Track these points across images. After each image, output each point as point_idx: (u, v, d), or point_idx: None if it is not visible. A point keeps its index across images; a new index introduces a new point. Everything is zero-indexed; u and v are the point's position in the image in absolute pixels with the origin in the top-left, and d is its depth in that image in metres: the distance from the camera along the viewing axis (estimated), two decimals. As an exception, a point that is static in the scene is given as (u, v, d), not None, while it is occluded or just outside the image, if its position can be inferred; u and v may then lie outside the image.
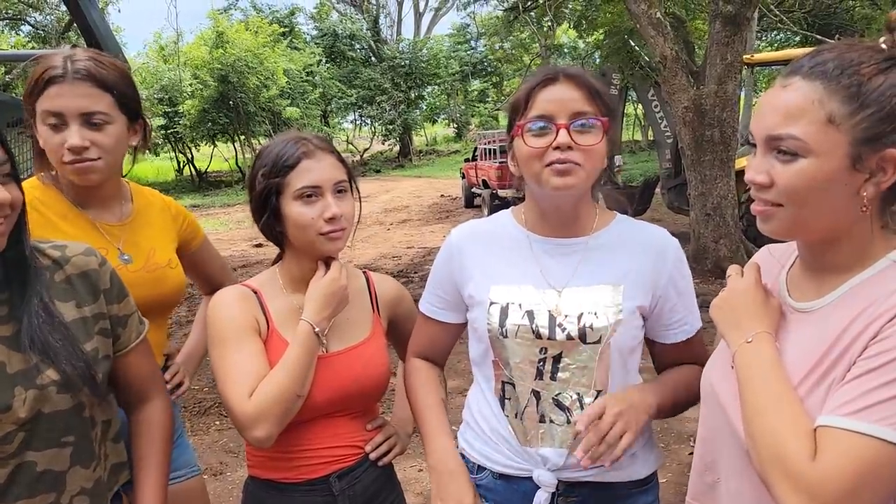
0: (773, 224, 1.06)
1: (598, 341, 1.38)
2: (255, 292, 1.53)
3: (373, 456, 1.58)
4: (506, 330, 1.41)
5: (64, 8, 13.28)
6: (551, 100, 1.36)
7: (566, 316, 1.39)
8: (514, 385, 1.43)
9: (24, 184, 1.62)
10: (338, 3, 37.82)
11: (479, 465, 1.49)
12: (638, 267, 1.44)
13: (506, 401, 1.45)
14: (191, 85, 24.11)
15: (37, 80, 1.55)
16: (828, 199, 1.00)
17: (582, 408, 1.40)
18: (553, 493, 1.41)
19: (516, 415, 1.43)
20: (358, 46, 34.03)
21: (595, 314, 1.39)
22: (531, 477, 1.43)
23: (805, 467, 0.92)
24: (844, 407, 0.92)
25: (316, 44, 32.15)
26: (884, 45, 0.99)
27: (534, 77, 1.42)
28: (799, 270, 1.15)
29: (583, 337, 1.38)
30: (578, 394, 1.40)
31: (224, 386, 1.40)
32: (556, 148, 1.34)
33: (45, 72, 1.54)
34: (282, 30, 27.83)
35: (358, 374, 1.53)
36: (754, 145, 1.07)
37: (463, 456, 1.52)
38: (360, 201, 1.59)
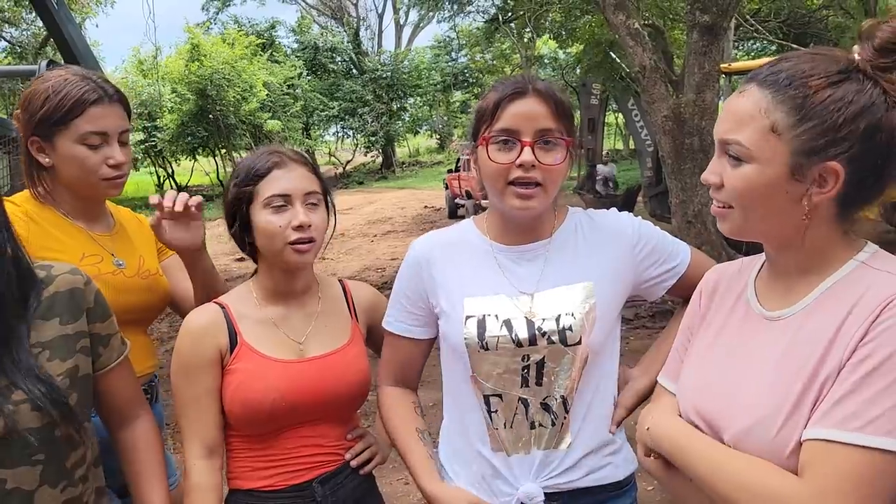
0: (726, 224, 1.11)
1: (579, 342, 1.38)
2: (224, 307, 1.53)
3: (353, 463, 1.57)
4: (486, 342, 1.38)
5: (41, 23, 13.18)
6: (518, 114, 1.35)
7: (544, 320, 1.38)
8: (501, 396, 1.41)
9: (16, 197, 1.69)
10: (319, 16, 37.87)
11: None
12: (603, 259, 1.44)
13: (492, 413, 1.42)
14: (170, 99, 23.96)
15: (73, 103, 1.60)
16: (771, 204, 1.03)
17: (567, 409, 1.40)
18: None
19: (505, 424, 1.41)
20: (339, 59, 34.04)
21: (572, 315, 1.38)
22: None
23: (794, 490, 0.93)
24: (848, 421, 0.92)
25: (297, 57, 32.08)
26: (857, 55, 1.00)
27: (503, 86, 1.38)
28: (767, 275, 1.16)
29: (563, 340, 1.37)
30: (563, 396, 1.40)
31: (183, 434, 1.49)
32: (520, 166, 1.33)
33: (83, 94, 1.61)
34: (259, 41, 27.71)
35: (337, 379, 1.53)
36: None
37: None
38: (336, 216, 1.59)
